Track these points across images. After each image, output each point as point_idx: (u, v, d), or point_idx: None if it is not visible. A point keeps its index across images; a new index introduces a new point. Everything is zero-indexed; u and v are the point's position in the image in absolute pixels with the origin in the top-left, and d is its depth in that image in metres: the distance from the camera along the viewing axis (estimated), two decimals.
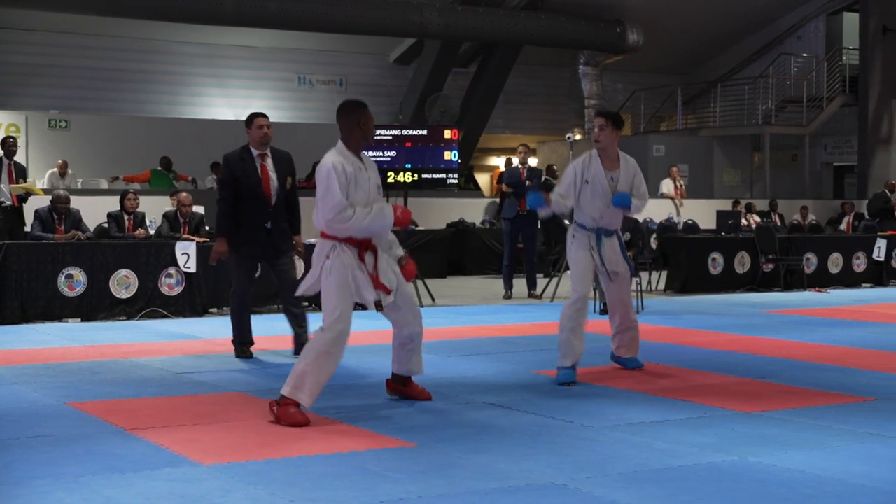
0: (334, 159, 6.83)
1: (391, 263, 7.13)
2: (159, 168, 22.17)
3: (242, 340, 9.59)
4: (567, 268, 16.99)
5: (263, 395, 7.62)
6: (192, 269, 12.68)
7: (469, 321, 11.13)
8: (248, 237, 9.34)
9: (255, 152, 9.46)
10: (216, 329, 11.59)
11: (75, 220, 13.23)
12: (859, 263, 17.93)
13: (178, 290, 12.72)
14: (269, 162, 9.51)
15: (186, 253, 12.66)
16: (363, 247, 6.88)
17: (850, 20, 30.47)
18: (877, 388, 7.92)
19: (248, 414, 6.98)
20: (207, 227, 14.47)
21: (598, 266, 8.45)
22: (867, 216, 22.68)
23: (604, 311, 13.13)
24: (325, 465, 5.56)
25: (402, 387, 7.53)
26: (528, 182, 15.15)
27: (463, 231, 20.10)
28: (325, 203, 6.75)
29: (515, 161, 15.83)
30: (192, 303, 12.79)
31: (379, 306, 7.04)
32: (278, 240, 9.45)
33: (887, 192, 22.79)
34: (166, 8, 23.52)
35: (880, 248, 18.03)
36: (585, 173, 8.34)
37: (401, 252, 7.27)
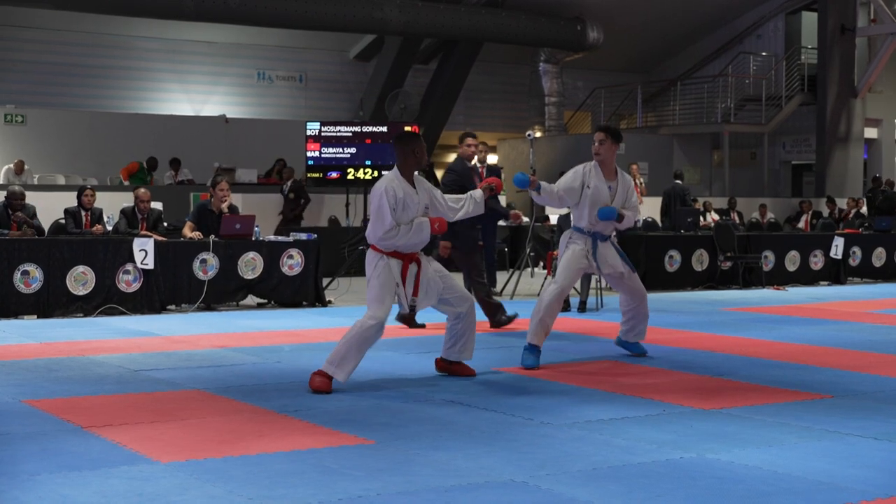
0: (388, 184, 7.84)
1: (434, 267, 8.13)
2: (144, 165, 22.03)
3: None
4: (528, 265, 17.05)
5: (222, 392, 7.59)
6: (150, 266, 12.61)
7: (428, 318, 11.12)
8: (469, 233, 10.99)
9: (469, 164, 11.31)
10: (174, 326, 11.53)
11: (29, 216, 13.13)
12: (817, 261, 18.06)
13: (135, 287, 12.64)
14: (482, 173, 11.35)
15: (144, 249, 12.58)
16: (408, 259, 7.89)
17: (809, 19, 30.71)
18: (834, 386, 7.98)
19: (207, 411, 6.95)
20: (166, 224, 14.40)
21: (592, 268, 9.05)
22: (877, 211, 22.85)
23: (563, 309, 13.19)
24: (284, 463, 5.54)
25: (449, 366, 8.36)
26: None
27: None
28: (377, 222, 7.79)
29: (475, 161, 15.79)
30: (149, 300, 12.71)
31: (413, 310, 8.23)
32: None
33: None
34: (126, 3, 23.36)
35: (837, 247, 18.18)
36: (586, 179, 8.88)
37: (477, 192, 8.33)
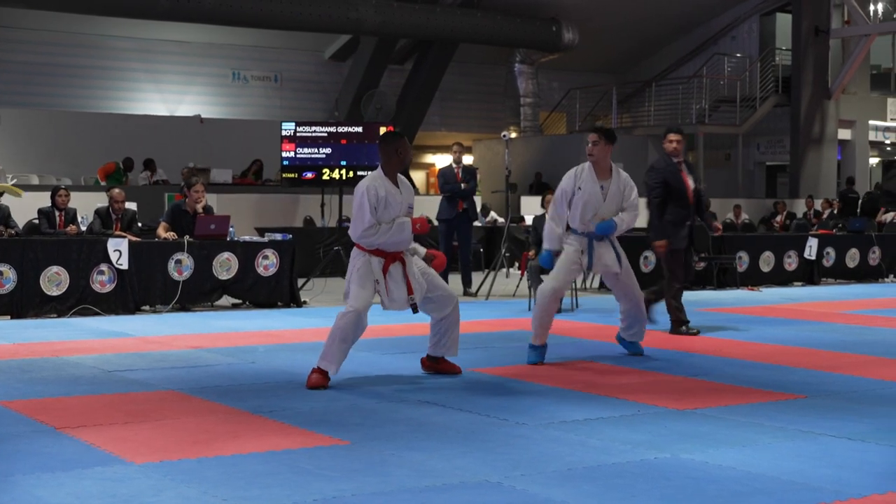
0: (370, 183, 7.95)
1: (419, 266, 8.15)
2: (121, 165, 21.94)
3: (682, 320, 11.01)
4: (503, 265, 17.06)
5: (197, 393, 7.58)
6: (125, 266, 12.56)
7: (404, 318, 11.10)
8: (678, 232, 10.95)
9: (675, 160, 11.04)
10: (148, 326, 11.50)
11: (3, 217, 13.06)
12: (791, 262, 18.11)
13: (109, 288, 12.59)
14: (686, 170, 11.10)
15: (118, 250, 12.53)
16: (390, 258, 7.96)
17: (783, 21, 30.85)
18: (808, 386, 8.02)
19: (181, 412, 6.93)
20: (140, 224, 14.36)
21: (584, 268, 9.15)
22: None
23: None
24: (259, 464, 5.54)
25: (435, 364, 8.45)
26: (463, 184, 15.13)
27: None
28: (357, 220, 7.89)
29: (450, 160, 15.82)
30: (124, 300, 12.66)
31: (415, 308, 8.13)
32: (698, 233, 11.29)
33: None
34: (99, 2, 23.27)
35: (811, 247, 18.24)
36: (578, 180, 9.08)
37: (423, 251, 8.30)
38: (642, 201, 9.67)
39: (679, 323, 11.03)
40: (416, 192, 8.51)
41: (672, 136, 11.09)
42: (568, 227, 9.14)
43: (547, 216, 9.43)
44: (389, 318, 11.74)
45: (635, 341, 9.56)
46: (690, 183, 10.98)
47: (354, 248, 8.09)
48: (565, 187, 9.09)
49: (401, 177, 8.16)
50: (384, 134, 8.52)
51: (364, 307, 7.89)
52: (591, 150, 9.08)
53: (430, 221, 9.96)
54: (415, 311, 8.15)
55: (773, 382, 8.18)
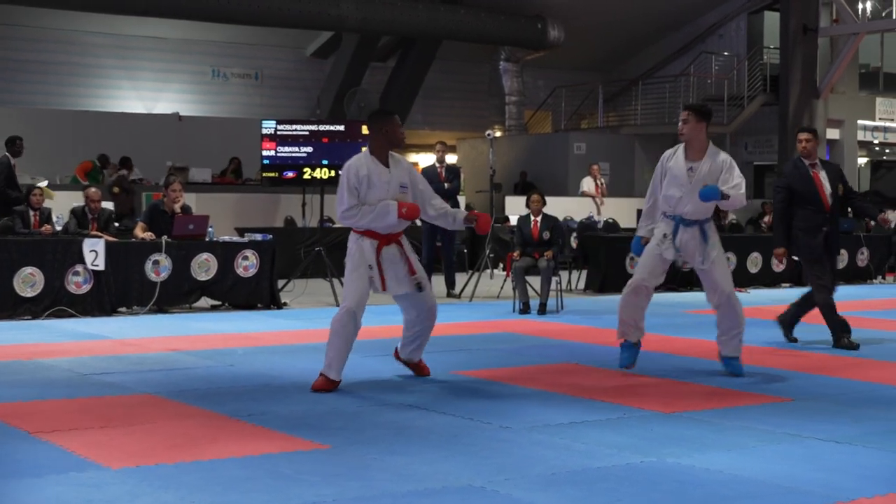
0: (351, 163, 7.91)
1: (414, 255, 8.08)
2: (97, 163, 21.86)
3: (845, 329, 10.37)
4: (487, 266, 17.06)
5: (173, 396, 7.56)
6: (101, 267, 12.52)
7: (386, 320, 11.10)
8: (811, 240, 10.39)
9: (806, 162, 10.36)
10: (125, 329, 11.46)
11: None
12: (778, 263, 18.09)
13: (85, 289, 12.55)
14: (822, 172, 10.37)
15: (95, 250, 12.49)
16: (384, 240, 7.88)
17: (772, 19, 30.92)
18: (795, 389, 8.04)
19: (158, 416, 6.91)
20: (117, 224, 14.32)
21: (665, 255, 8.62)
22: None
23: (523, 311, 13.23)
24: (237, 469, 5.52)
25: (408, 362, 8.49)
26: (446, 184, 15.12)
27: None
28: (338, 200, 7.87)
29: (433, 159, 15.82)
30: (100, 302, 12.62)
31: (420, 287, 8.01)
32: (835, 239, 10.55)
33: None
34: None
35: None
36: (667, 162, 8.70)
37: (463, 213, 8.20)
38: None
39: (840, 333, 10.36)
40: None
41: (800, 136, 10.47)
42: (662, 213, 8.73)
43: None
44: (371, 319, 11.75)
45: (732, 357, 8.74)
46: (827, 187, 10.27)
47: (350, 231, 8.03)
48: (655, 175, 8.77)
49: (396, 156, 8.05)
50: (371, 112, 8.48)
51: (356, 304, 7.81)
52: (682, 128, 8.61)
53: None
54: (420, 289, 8.00)
55: (761, 385, 8.20)
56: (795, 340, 10.66)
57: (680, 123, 8.66)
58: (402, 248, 7.98)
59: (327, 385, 7.78)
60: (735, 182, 8.56)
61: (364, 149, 8.03)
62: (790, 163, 10.68)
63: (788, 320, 10.79)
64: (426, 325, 8.30)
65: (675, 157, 8.67)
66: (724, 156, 8.68)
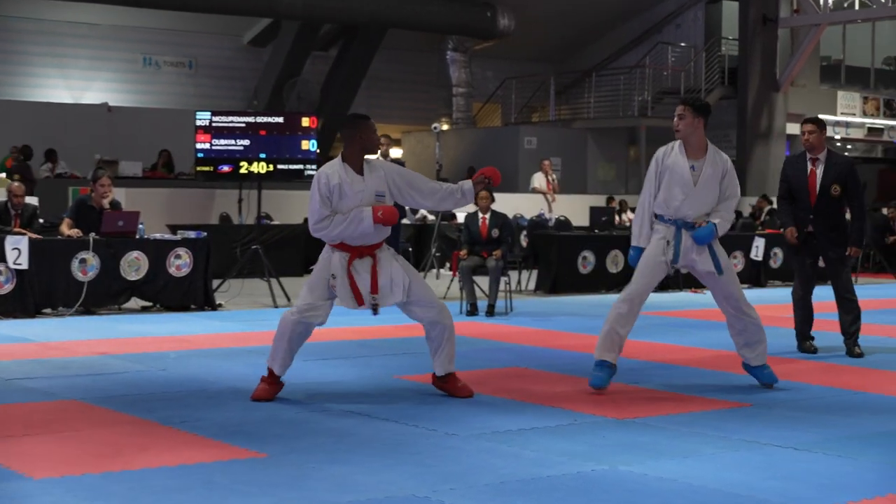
0: (322, 171, 7.82)
1: (397, 265, 7.83)
2: (21, 156, 21.63)
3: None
4: (433, 266, 17.10)
5: (102, 402, 7.51)
6: (24, 266, 12.40)
7: (326, 322, 11.09)
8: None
9: (808, 156, 10.30)
10: (49, 331, 11.37)
11: None
12: (737, 263, 18.19)
13: (7, 289, 12.43)
14: (820, 168, 10.27)
15: (17, 248, 12.37)
16: (356, 253, 7.72)
17: (730, 9, 31.14)
18: (752, 394, 8.11)
19: (85, 423, 6.87)
20: (42, 221, 14.19)
21: (668, 263, 8.30)
22: None
23: (470, 312, 13.26)
24: (169, 479, 5.50)
25: (442, 383, 8.01)
26: None
27: None
28: (310, 211, 7.74)
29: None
30: (23, 303, 12.50)
31: (375, 310, 7.82)
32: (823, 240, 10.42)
33: None
34: None
35: (758, 248, 18.40)
36: (665, 160, 8.35)
37: (468, 182, 7.92)
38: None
39: (802, 338, 10.54)
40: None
41: (803, 127, 10.31)
42: (656, 216, 8.36)
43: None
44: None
45: (759, 366, 8.51)
46: (817, 184, 10.15)
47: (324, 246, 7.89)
48: (650, 172, 8.39)
49: (372, 162, 7.88)
50: (346, 117, 8.27)
51: (307, 304, 7.73)
52: (677, 124, 8.31)
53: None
54: (374, 312, 7.82)
55: (717, 390, 8.26)
56: (814, 350, 10.56)
57: (675, 119, 8.37)
58: (375, 262, 7.74)
59: (267, 393, 7.71)
60: (733, 190, 8.40)
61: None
62: (795, 154, 10.76)
63: (799, 329, 10.72)
64: (439, 331, 7.90)
65: (673, 155, 8.34)
66: (724, 157, 8.43)
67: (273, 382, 7.79)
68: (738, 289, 8.53)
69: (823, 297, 10.98)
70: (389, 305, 7.84)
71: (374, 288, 7.72)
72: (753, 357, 8.48)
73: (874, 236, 21.19)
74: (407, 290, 7.78)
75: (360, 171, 7.78)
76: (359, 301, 7.72)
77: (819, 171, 10.22)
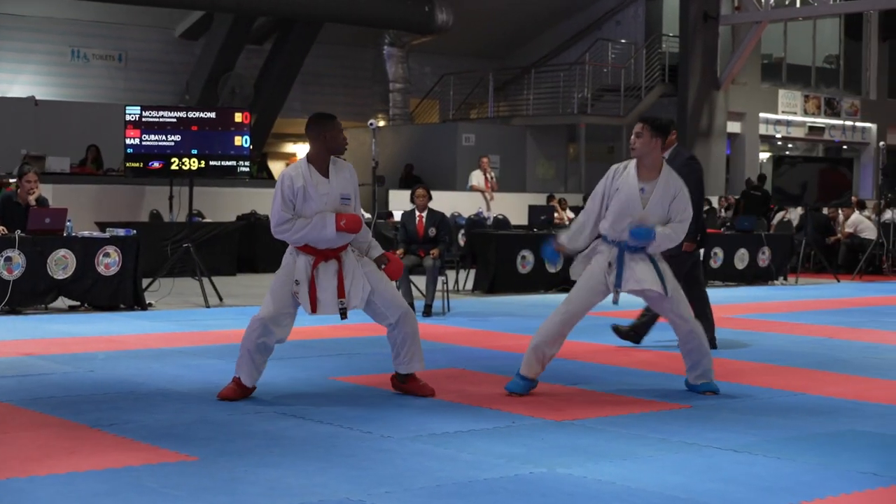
0: (286, 172, 7.75)
1: (364, 267, 7.81)
2: None
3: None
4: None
5: (26, 405, 7.44)
6: None
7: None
8: None
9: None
10: None
11: None
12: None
13: None
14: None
15: None
16: (321, 256, 7.67)
17: (671, 6, 31.39)
18: (693, 395, 8.17)
19: (10, 426, 6.80)
20: None
21: (610, 285, 8.05)
22: None
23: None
24: (96, 482, 5.46)
25: (401, 384, 8.05)
26: None
27: (255, 224, 19.90)
28: (272, 213, 7.68)
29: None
30: None
31: (343, 314, 7.80)
32: None
33: None
34: None
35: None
36: (616, 180, 8.13)
37: (378, 252, 7.98)
38: None
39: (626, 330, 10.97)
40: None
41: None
42: (600, 235, 8.18)
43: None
44: (243, 321, 11.68)
45: (706, 382, 8.33)
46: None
47: (287, 247, 7.84)
48: (599, 188, 8.20)
49: (339, 163, 7.80)
50: (311, 116, 7.95)
51: (270, 315, 7.66)
52: (634, 142, 8.05)
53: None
54: (343, 316, 7.79)
55: (657, 391, 8.32)
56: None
57: (633, 137, 8.12)
58: (340, 266, 7.71)
59: (235, 393, 7.72)
60: (684, 214, 8.12)
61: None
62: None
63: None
64: (401, 331, 7.90)
65: (625, 175, 8.11)
66: (677, 181, 8.15)
67: (243, 385, 7.78)
68: (690, 311, 8.29)
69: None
70: (354, 308, 7.81)
71: (342, 292, 7.70)
72: (697, 376, 8.31)
73: (815, 236, 21.45)
74: (370, 294, 7.75)
75: (325, 173, 7.71)
76: (314, 309, 7.71)
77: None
